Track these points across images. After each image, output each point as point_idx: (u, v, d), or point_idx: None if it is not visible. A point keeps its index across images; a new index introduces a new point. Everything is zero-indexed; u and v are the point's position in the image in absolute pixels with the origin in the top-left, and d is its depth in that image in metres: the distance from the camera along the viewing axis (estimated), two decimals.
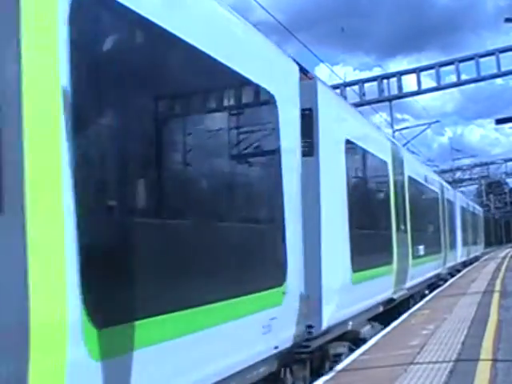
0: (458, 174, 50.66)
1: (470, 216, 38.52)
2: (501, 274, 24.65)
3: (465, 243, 32.58)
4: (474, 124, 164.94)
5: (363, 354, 9.53)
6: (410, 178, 16.03)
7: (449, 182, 51.65)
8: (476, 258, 40.89)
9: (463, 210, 33.77)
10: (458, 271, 28.55)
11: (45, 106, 3.36)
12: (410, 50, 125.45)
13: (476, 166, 50.03)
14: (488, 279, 22.48)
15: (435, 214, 21.78)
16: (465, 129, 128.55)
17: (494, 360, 7.66)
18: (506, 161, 49.22)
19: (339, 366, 8.70)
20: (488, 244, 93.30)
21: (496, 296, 15.75)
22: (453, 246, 26.09)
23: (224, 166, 5.67)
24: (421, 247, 16.53)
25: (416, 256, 15.66)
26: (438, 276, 21.52)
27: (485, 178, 51.50)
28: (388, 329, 12.09)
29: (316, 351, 8.19)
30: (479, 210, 51.15)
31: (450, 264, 24.77)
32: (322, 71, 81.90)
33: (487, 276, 24.44)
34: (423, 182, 18.93)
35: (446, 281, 23.10)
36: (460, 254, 29.31)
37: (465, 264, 32.52)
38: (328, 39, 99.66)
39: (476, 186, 63.06)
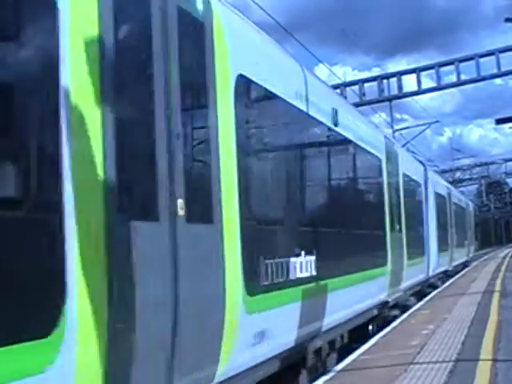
0: (458, 174, 50.62)
1: (453, 208, 28.58)
2: (501, 274, 24.65)
3: (444, 247, 23.72)
4: (473, 124, 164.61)
5: (363, 353, 9.53)
6: (290, 107, 7.44)
7: (449, 182, 51.47)
8: (464, 265, 33.24)
9: (441, 198, 24.51)
10: (434, 287, 21.22)
11: None
12: (408, 51, 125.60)
13: (476, 166, 49.98)
14: (488, 279, 22.47)
15: (371, 197, 13.01)
16: (464, 129, 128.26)
17: (494, 360, 7.66)
18: (506, 161, 49.15)
19: (339, 366, 8.71)
20: (488, 244, 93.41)
21: (496, 296, 15.74)
22: (419, 251, 17.71)
23: None
24: (304, 261, 7.42)
25: (274, 286, 6.49)
26: (383, 305, 13.07)
27: (485, 178, 51.45)
28: (388, 329, 12.08)
29: None
30: (467, 202, 41.76)
31: (411, 281, 16.14)
32: (320, 71, 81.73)
33: (487, 276, 24.44)
34: (331, 125, 9.34)
35: (405, 308, 15.35)
36: (434, 265, 20.70)
37: (446, 275, 25.29)
38: (326, 39, 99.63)
39: (476, 185, 63.06)
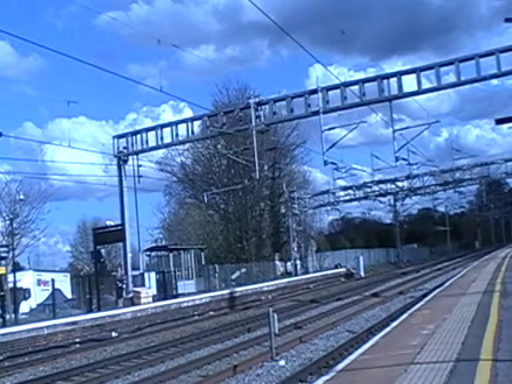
0: (458, 174, 50.54)
1: None
2: (501, 274, 24.65)
3: None
4: (471, 124, 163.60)
5: (363, 354, 9.53)
6: None
7: (449, 182, 51.16)
8: None
9: None
10: None
11: None
12: (404, 51, 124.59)
13: (476, 166, 49.86)
14: (488, 279, 22.47)
15: None
16: (461, 129, 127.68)
17: (494, 360, 7.66)
18: (506, 161, 49.07)
19: (339, 366, 8.70)
20: (488, 244, 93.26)
21: (496, 296, 15.75)
22: None
23: None
24: None
25: None
26: None
27: (485, 177, 51.38)
28: (388, 329, 12.08)
29: None
30: None
31: None
32: (317, 72, 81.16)
33: (487, 276, 24.44)
34: None
35: None
36: None
37: None
38: (321, 40, 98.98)
39: (476, 185, 63.02)
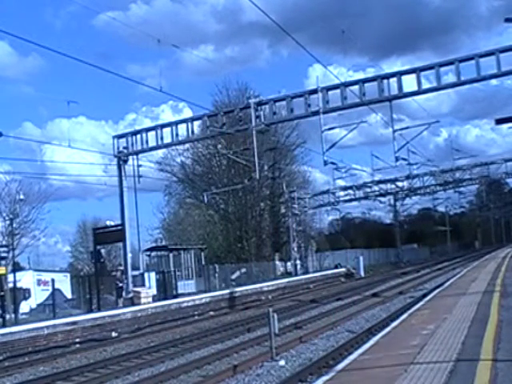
0: (458, 174, 50.53)
1: None
2: (501, 274, 24.65)
3: None
4: (470, 124, 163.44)
5: (363, 353, 9.53)
6: None
7: (449, 182, 51.10)
8: None
9: None
10: None
11: None
12: (403, 51, 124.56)
13: (476, 166, 49.85)
14: (488, 279, 22.47)
15: None
16: (461, 129, 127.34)
17: (494, 360, 7.66)
18: (506, 161, 49.07)
19: (339, 366, 8.70)
20: (489, 244, 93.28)
21: (496, 296, 15.75)
22: None
23: None
24: None
25: None
26: None
27: (485, 177, 51.38)
28: (388, 329, 12.08)
29: None
30: None
31: None
32: (316, 72, 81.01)
33: (487, 276, 24.44)
34: None
35: None
36: None
37: None
38: (321, 40, 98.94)
39: (476, 185, 63.03)
